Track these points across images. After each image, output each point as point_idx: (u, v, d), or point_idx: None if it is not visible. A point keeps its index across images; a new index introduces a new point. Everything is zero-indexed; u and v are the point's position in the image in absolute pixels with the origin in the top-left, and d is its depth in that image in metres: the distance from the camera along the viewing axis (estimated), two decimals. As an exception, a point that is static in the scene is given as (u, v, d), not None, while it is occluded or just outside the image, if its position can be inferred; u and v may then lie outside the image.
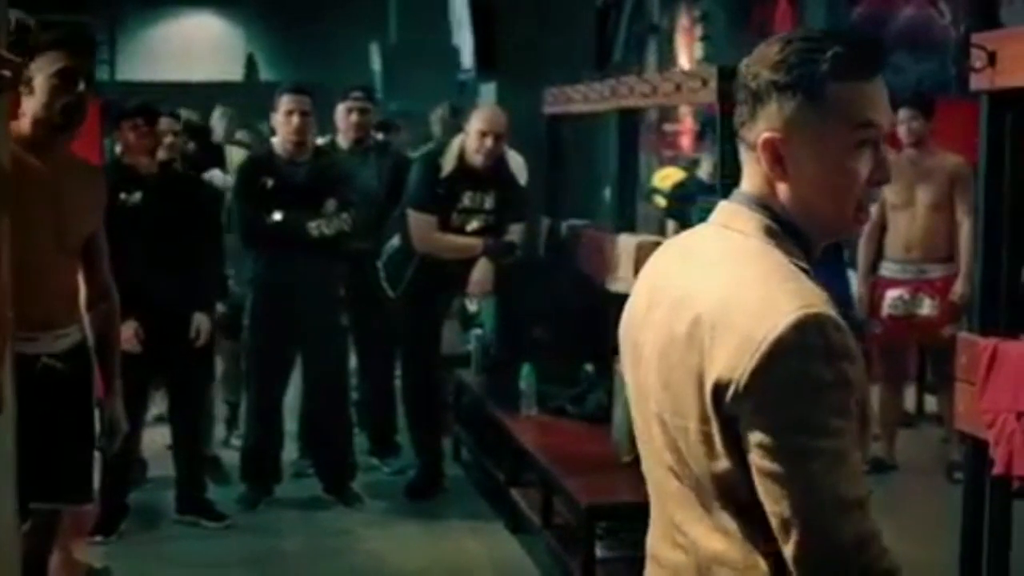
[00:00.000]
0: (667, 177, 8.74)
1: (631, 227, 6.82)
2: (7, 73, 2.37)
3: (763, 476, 1.85)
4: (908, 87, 11.25)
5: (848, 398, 1.84)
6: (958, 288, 6.91)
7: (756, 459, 1.85)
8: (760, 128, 1.97)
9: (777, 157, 1.96)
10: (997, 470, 3.75)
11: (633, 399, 2.13)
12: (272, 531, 6.34)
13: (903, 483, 7.02)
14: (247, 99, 13.75)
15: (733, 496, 1.93)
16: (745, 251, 1.97)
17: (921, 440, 7.81)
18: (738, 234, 1.99)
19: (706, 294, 1.92)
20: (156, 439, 6.99)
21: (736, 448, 1.89)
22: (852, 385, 1.85)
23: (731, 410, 1.86)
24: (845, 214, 1.99)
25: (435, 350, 6.93)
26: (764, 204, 1.99)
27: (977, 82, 3.69)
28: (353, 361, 7.46)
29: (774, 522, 1.85)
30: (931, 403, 8.20)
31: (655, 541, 2.12)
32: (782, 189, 1.98)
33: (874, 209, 7.13)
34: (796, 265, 1.95)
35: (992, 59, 3.62)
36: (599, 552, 4.93)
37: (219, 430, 7.54)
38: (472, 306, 7.64)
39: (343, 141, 7.41)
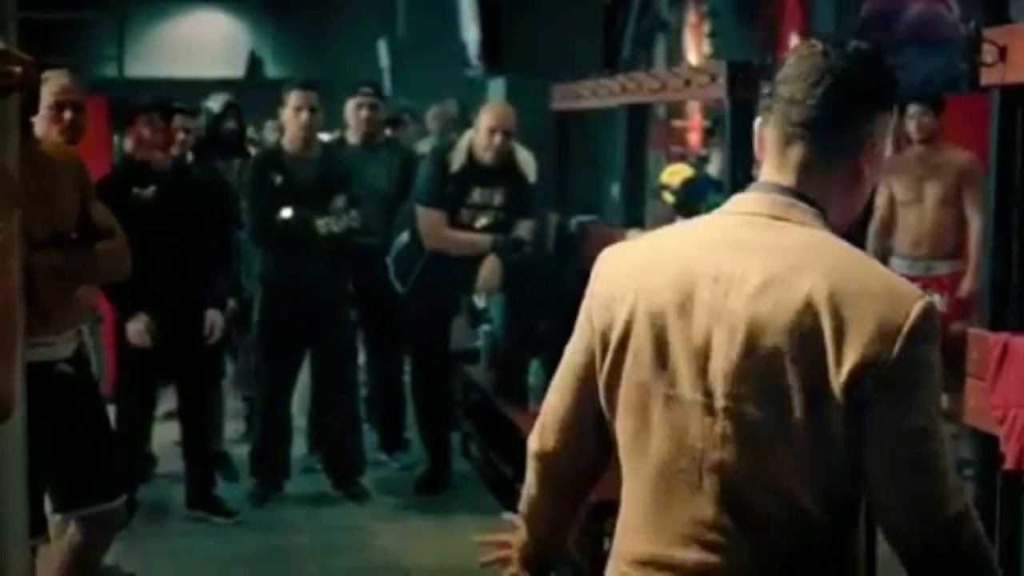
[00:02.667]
0: (676, 173, 8.71)
1: (640, 223, 6.82)
2: (17, 70, 2.36)
3: (888, 455, 1.94)
4: (916, 84, 11.22)
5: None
6: (966, 284, 6.89)
7: (885, 439, 1.94)
8: (856, 133, 2.06)
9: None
10: (1008, 465, 3.74)
11: (643, 390, 2.08)
12: (281, 527, 6.35)
13: (912, 479, 7.00)
14: (251, 97, 13.76)
15: (822, 484, 1.98)
16: (828, 241, 2.03)
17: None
18: (800, 226, 2.04)
19: (808, 282, 1.95)
20: (165, 435, 6.99)
21: (847, 433, 1.94)
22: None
23: (867, 394, 1.92)
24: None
25: (444, 346, 6.93)
26: (805, 197, 2.06)
27: (988, 77, 3.68)
28: (362, 357, 7.46)
29: (886, 499, 1.97)
30: (942, 400, 8.19)
31: (662, 546, 2.08)
32: (823, 185, 2.07)
33: (882, 205, 7.14)
34: None
35: (1003, 54, 3.61)
36: (606, 547, 4.92)
37: (237, 426, 7.53)
38: (480, 302, 7.64)
39: (352, 137, 7.41)
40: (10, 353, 2.03)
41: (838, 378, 1.91)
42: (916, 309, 1.92)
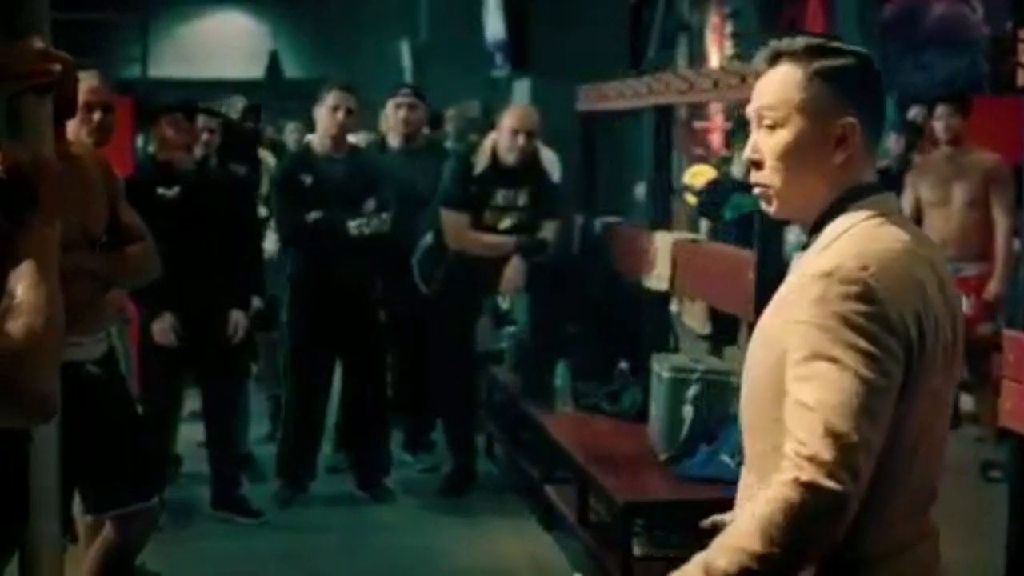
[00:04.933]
0: (699, 174, 8.70)
1: (667, 224, 6.81)
2: (56, 67, 2.35)
3: None
4: (937, 85, 11.17)
5: None
6: (993, 287, 6.87)
7: None
8: None
9: None
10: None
11: (927, 392, 2.18)
12: (306, 527, 6.34)
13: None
14: (272, 97, 13.79)
15: None
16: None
17: (956, 438, 7.72)
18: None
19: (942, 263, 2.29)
20: (190, 435, 7.00)
21: None
22: None
23: None
24: None
25: (469, 347, 6.93)
26: None
27: (1024, 78, 3.66)
28: (388, 357, 7.44)
29: None
30: (966, 402, 8.15)
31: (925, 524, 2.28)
32: None
33: (909, 206, 7.11)
34: None
35: (1039, 55, 3.59)
36: (636, 550, 4.91)
37: (263, 426, 7.53)
38: (504, 303, 7.64)
39: (393, 140, 7.40)
40: (57, 355, 2.03)
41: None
42: None
